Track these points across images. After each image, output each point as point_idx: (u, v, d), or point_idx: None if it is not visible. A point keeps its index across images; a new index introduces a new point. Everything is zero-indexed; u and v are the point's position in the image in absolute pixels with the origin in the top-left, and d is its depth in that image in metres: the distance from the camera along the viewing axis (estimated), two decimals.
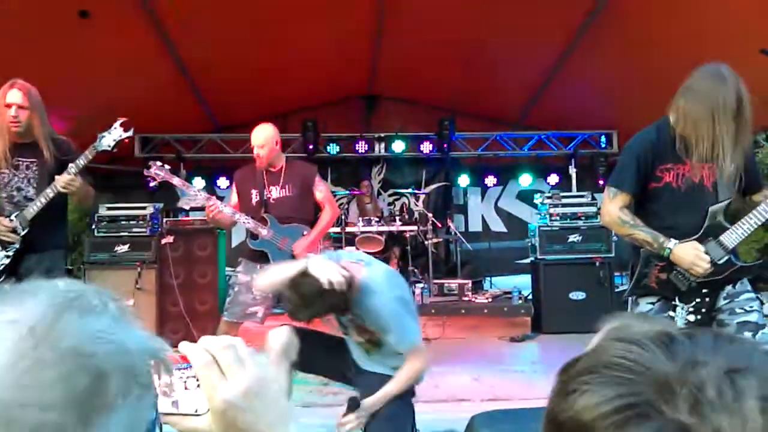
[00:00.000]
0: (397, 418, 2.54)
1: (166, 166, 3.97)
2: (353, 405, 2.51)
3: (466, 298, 6.81)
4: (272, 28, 6.05)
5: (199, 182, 8.22)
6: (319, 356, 2.74)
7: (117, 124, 3.39)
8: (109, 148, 3.37)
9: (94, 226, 6.19)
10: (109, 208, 6.26)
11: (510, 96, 8.02)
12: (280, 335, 2.63)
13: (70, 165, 3.20)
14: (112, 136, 3.37)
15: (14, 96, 3.15)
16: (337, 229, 7.00)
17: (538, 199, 6.93)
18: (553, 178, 8.86)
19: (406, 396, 2.60)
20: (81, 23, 4.92)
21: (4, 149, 3.19)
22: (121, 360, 0.49)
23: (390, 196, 9.20)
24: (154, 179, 3.91)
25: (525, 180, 8.89)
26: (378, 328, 2.55)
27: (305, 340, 2.64)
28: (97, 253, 6.06)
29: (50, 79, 5.45)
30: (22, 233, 3.22)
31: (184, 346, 0.71)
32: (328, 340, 2.85)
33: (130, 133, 3.42)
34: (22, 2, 4.56)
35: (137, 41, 5.65)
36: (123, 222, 6.14)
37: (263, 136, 3.93)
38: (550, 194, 6.85)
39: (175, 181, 3.93)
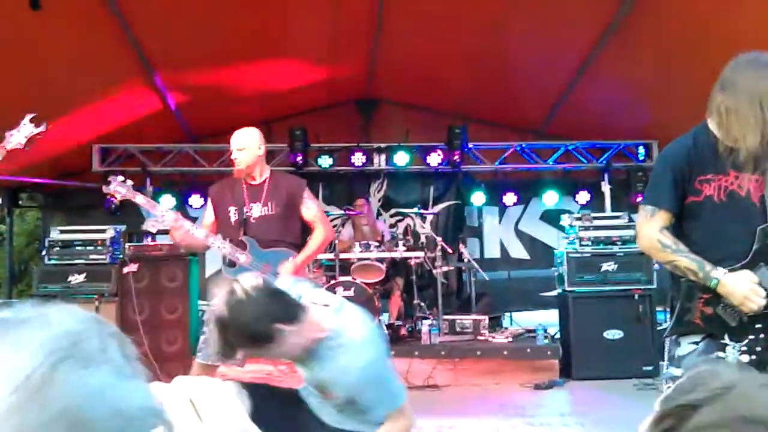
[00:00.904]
0: None
1: (129, 182, 3.95)
2: None
3: (482, 338, 6.76)
4: (253, 19, 6.08)
5: (168, 200, 8.21)
6: (278, 419, 2.57)
7: (26, 120, 3.42)
8: (21, 146, 3.37)
9: (44, 253, 6.18)
10: (62, 231, 6.26)
11: (531, 100, 8.06)
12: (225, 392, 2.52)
13: None
14: (23, 133, 3.41)
15: None
16: (330, 255, 6.98)
17: (565, 221, 6.91)
18: (583, 196, 8.84)
19: None
20: (32, 15, 4.94)
21: None
22: (116, 425, 0.49)
23: (392, 216, 9.19)
24: (114, 197, 3.90)
25: (550, 198, 8.89)
26: (346, 396, 2.40)
27: (257, 398, 2.47)
28: (47, 284, 6.04)
29: None
30: None
31: (157, 388, 0.71)
32: (288, 396, 2.73)
33: (42, 128, 3.44)
34: None
35: (96, 36, 5.68)
36: (78, 247, 6.14)
37: (244, 138, 3.92)
38: (579, 215, 6.85)
39: (139, 199, 3.91)
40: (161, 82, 6.93)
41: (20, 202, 9.47)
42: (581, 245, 6.61)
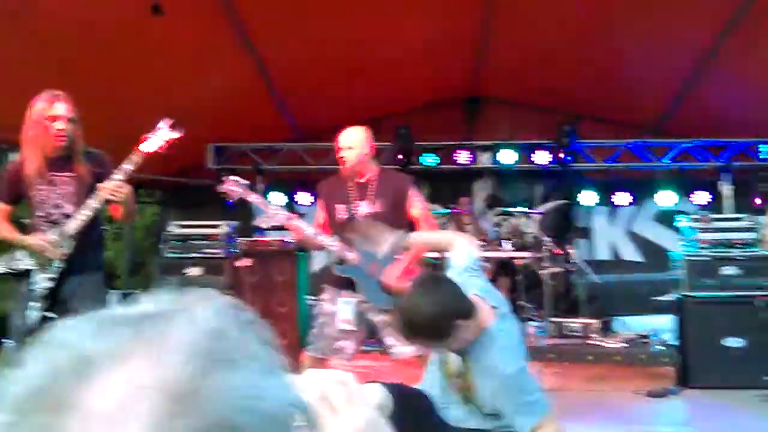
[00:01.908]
0: None
1: (243, 181, 4.07)
2: None
3: (593, 342, 6.61)
4: (361, 23, 6.21)
5: (277, 197, 8.50)
6: (414, 424, 2.64)
7: (162, 124, 3.58)
8: (158, 150, 3.56)
9: (163, 246, 6.51)
10: (179, 226, 6.56)
11: (646, 96, 7.81)
12: (373, 394, 2.59)
13: (116, 170, 3.40)
14: (160, 136, 3.56)
15: (62, 108, 3.39)
16: (435, 254, 7.00)
17: (682, 222, 6.66)
18: (701, 197, 8.52)
19: None
20: (154, 20, 5.24)
21: (40, 165, 3.42)
22: (266, 427, 0.47)
23: (497, 216, 9.10)
24: (229, 196, 4.03)
25: (665, 198, 8.58)
26: (490, 398, 2.40)
27: (400, 403, 2.43)
28: (165, 276, 6.37)
29: (120, 79, 5.88)
30: (66, 250, 3.42)
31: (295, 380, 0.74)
32: (424, 399, 2.73)
33: (178, 134, 3.59)
34: None
35: (213, 40, 5.96)
36: (194, 242, 6.43)
37: (352, 138, 3.97)
38: (697, 216, 6.60)
39: (253, 198, 4.03)
40: (273, 83, 7.17)
41: (139, 198, 10.04)
42: (700, 248, 6.35)
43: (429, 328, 2.31)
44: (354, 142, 3.97)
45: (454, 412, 2.63)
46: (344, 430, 0.73)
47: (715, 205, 8.09)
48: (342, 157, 3.97)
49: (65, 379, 0.45)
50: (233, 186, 4.00)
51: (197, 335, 0.48)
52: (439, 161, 8.48)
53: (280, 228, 7.08)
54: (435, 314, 2.27)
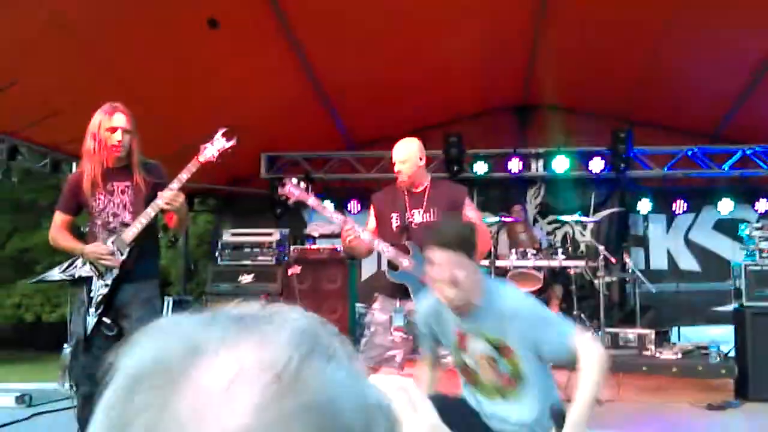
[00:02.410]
0: None
1: (302, 184, 4.22)
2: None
3: (648, 353, 6.49)
4: (411, 33, 6.27)
5: (328, 206, 8.58)
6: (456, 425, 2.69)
7: (219, 134, 3.68)
8: (213, 159, 3.64)
9: (217, 254, 6.66)
10: (233, 234, 6.71)
11: (704, 103, 7.65)
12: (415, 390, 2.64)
13: (174, 180, 3.51)
14: (216, 146, 3.66)
15: (120, 120, 3.51)
16: (486, 263, 6.98)
17: (743, 231, 6.51)
18: (763, 204, 8.30)
19: None
20: (209, 33, 5.39)
21: (97, 174, 3.54)
22: (364, 421, 0.50)
23: (549, 224, 9.03)
24: (288, 198, 4.16)
25: (725, 206, 8.39)
26: (520, 338, 2.57)
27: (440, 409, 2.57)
28: (219, 284, 6.52)
29: (176, 90, 6.06)
30: (123, 257, 3.53)
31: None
32: (463, 406, 2.83)
33: (233, 143, 3.68)
34: (150, 10, 5.08)
35: (267, 53, 6.09)
36: (247, 249, 6.57)
37: (405, 151, 4.04)
38: (759, 224, 6.45)
39: (311, 201, 4.14)
40: (324, 93, 7.28)
41: (193, 207, 10.27)
42: (761, 257, 6.20)
43: (459, 236, 2.65)
44: (408, 155, 4.03)
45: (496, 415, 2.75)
46: None
47: None
48: (399, 171, 4.02)
49: (177, 359, 0.48)
50: (293, 188, 4.14)
51: (294, 331, 0.52)
52: (490, 169, 8.46)
53: (331, 236, 7.20)
54: (464, 226, 2.85)
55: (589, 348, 2.47)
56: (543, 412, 2.64)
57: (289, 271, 6.38)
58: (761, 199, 8.33)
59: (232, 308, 0.56)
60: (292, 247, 6.74)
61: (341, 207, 8.93)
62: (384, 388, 0.75)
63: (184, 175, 3.54)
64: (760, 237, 6.29)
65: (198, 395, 0.47)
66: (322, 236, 7.12)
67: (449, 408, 2.72)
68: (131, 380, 0.49)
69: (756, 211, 8.31)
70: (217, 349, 0.49)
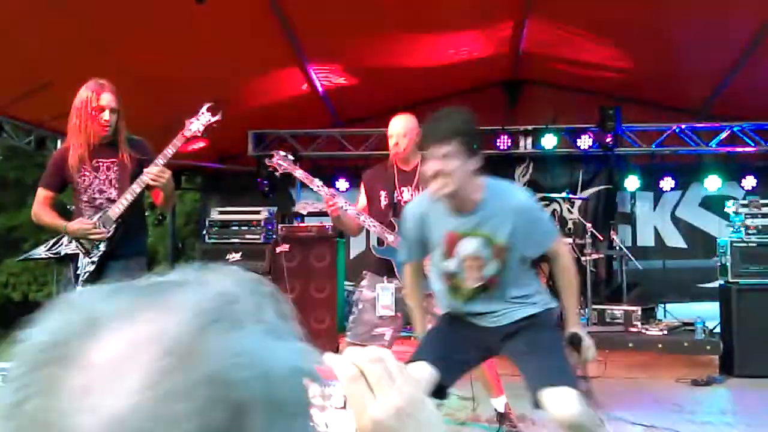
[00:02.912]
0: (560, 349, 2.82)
1: (290, 157, 4.22)
2: (574, 340, 2.82)
3: (635, 329, 6.56)
4: (399, 7, 6.20)
5: (315, 179, 8.57)
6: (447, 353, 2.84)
7: (204, 109, 3.66)
8: (199, 134, 3.63)
9: (204, 232, 6.64)
10: (220, 212, 6.68)
11: (693, 79, 7.64)
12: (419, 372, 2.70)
13: (159, 155, 3.49)
14: (201, 121, 3.65)
15: (108, 99, 3.49)
16: None
17: (730, 208, 6.54)
18: (749, 181, 8.34)
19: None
20: (197, 8, 5.31)
21: (84, 152, 3.52)
22: (265, 389, 0.48)
23: (538, 201, 9.05)
24: (276, 170, 4.15)
25: (712, 183, 8.41)
26: (511, 229, 2.72)
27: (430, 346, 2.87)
28: (207, 262, 6.45)
29: (163, 66, 5.99)
30: (109, 234, 3.52)
31: (329, 358, 0.73)
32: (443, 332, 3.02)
33: (218, 117, 3.67)
34: None
35: (254, 27, 6.01)
36: (235, 228, 6.54)
37: (404, 125, 4.03)
38: (746, 201, 6.47)
39: (299, 173, 4.16)
40: (312, 70, 7.22)
41: (180, 184, 10.22)
42: (747, 234, 6.24)
43: (465, 124, 2.73)
44: (408, 129, 4.02)
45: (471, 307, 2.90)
46: (385, 411, 0.70)
47: (763, 191, 7.89)
48: (396, 144, 4.00)
49: (73, 336, 0.47)
50: (281, 160, 4.15)
51: (205, 296, 0.50)
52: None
53: (319, 214, 7.18)
54: (458, 116, 2.79)
55: (566, 249, 2.98)
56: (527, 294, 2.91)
57: (277, 249, 6.37)
58: (748, 176, 8.35)
59: (147, 277, 0.54)
60: (280, 225, 6.71)
61: (329, 185, 8.87)
62: (356, 360, 0.73)
63: (169, 150, 3.52)
64: (746, 214, 6.31)
65: (87, 373, 0.45)
66: (311, 214, 7.02)
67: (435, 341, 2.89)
68: (31, 356, 0.47)
69: (743, 188, 8.33)
70: (113, 323, 0.47)
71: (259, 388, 0.48)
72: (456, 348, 2.88)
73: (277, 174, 4.27)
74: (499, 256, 2.74)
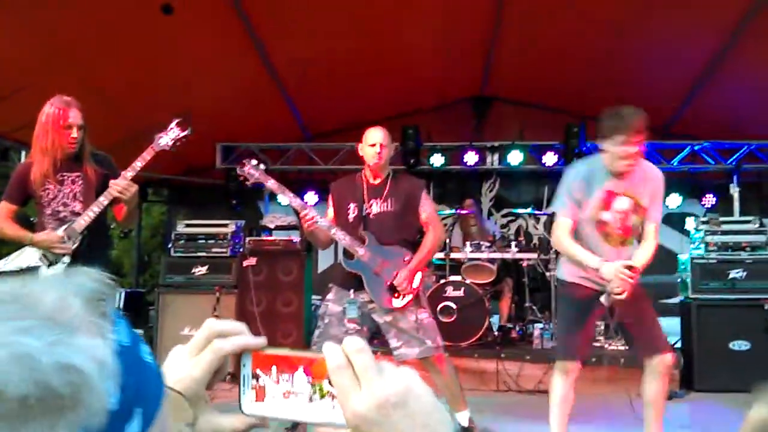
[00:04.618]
0: None
1: (261, 166, 4.17)
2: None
3: (598, 344, 6.61)
4: (369, 24, 6.25)
5: (284, 197, 8.54)
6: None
7: (173, 124, 3.68)
8: (168, 148, 3.63)
9: (170, 245, 6.56)
10: (187, 225, 6.61)
11: (655, 98, 7.78)
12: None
13: (127, 169, 3.49)
14: (170, 136, 3.65)
15: (76, 116, 3.51)
16: (441, 255, 7.04)
17: (690, 224, 6.66)
18: (709, 199, 8.54)
19: None
20: (164, 20, 5.29)
21: (49, 167, 3.53)
22: (35, 391, 0.47)
23: (504, 216, 9.13)
24: (247, 179, 4.11)
25: (673, 200, 8.59)
26: (649, 197, 3.61)
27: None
28: (173, 275, 6.42)
29: (130, 79, 5.95)
30: (74, 246, 3.50)
31: (326, 347, 0.71)
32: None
33: (187, 132, 3.68)
34: None
35: (222, 39, 6.01)
36: (201, 241, 6.48)
37: (385, 135, 4.05)
38: (706, 218, 6.59)
39: (270, 183, 4.09)
40: (281, 83, 7.22)
41: (147, 197, 10.10)
42: (707, 251, 6.35)
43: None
44: (388, 140, 4.06)
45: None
46: (367, 404, 0.67)
47: (723, 208, 8.07)
48: (380, 152, 4.00)
49: None
50: (252, 170, 4.09)
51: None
52: (447, 162, 8.50)
53: (287, 227, 7.15)
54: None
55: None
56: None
57: (244, 263, 6.32)
58: (708, 194, 8.53)
59: None
60: (247, 239, 6.66)
61: (299, 199, 8.87)
62: (347, 347, 0.69)
63: (138, 164, 3.53)
64: (706, 231, 6.43)
65: None
66: (278, 228, 7.06)
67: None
68: None
69: (703, 205, 8.51)
70: None
71: (32, 391, 0.47)
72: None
73: (247, 183, 4.21)
74: (638, 213, 3.55)
